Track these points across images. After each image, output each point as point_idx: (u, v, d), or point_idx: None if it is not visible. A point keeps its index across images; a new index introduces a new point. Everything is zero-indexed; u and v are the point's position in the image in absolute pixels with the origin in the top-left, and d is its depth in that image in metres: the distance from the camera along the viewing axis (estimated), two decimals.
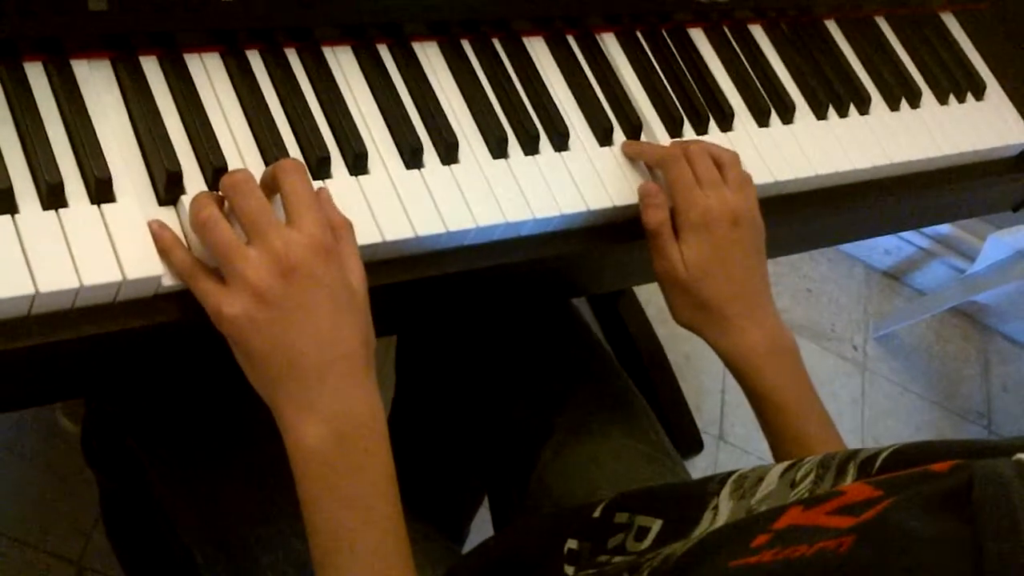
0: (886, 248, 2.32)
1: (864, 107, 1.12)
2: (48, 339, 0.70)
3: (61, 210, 0.71)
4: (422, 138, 0.86)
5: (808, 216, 1.06)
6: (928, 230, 2.27)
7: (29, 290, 0.68)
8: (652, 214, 0.90)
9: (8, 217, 0.70)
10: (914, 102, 1.16)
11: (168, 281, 0.73)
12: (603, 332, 1.86)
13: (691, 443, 1.87)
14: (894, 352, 2.27)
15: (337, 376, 0.71)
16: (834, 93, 1.10)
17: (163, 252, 0.73)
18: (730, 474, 0.74)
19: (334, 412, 0.71)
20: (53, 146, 0.73)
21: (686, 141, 0.96)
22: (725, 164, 0.92)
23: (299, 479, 0.72)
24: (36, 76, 0.76)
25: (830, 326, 2.23)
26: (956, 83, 1.20)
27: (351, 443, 0.71)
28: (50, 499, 1.44)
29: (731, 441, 1.97)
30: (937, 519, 0.52)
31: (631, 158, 0.94)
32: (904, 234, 2.28)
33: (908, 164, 1.11)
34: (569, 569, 0.78)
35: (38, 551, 1.40)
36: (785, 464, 0.71)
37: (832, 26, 1.17)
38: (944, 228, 2.26)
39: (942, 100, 1.18)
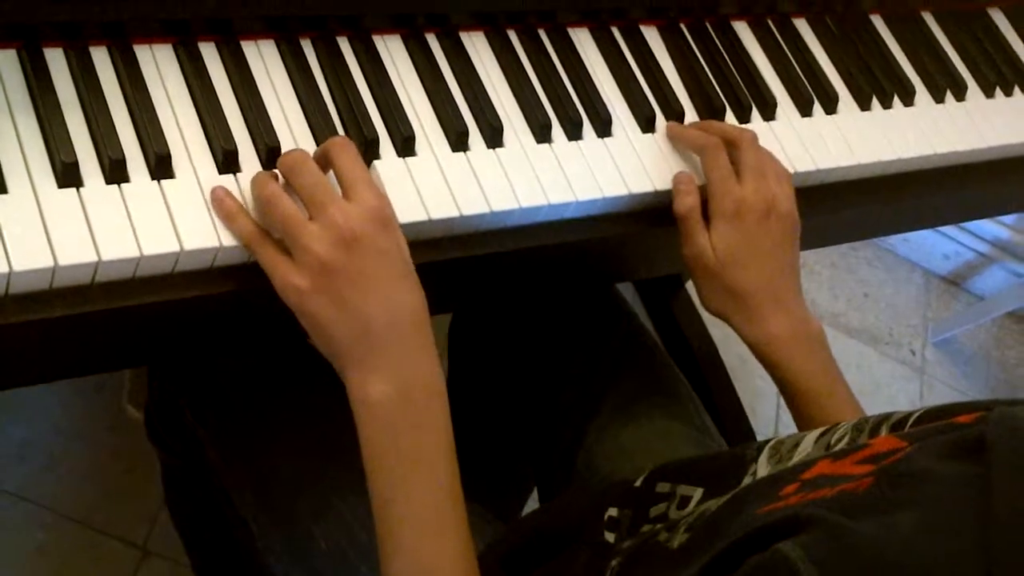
0: (945, 253, 2.31)
1: (909, 99, 1.13)
2: (110, 306, 0.73)
3: (123, 184, 0.75)
4: (468, 122, 0.89)
5: (850, 206, 1.07)
6: (987, 235, 2.25)
7: (92, 258, 0.72)
8: (682, 200, 0.92)
9: (74, 190, 0.74)
10: (959, 94, 1.16)
11: (228, 243, 0.76)
12: (657, 331, 1.87)
13: None
14: (953, 357, 2.26)
15: (401, 338, 0.74)
16: (878, 85, 1.12)
17: (227, 219, 0.76)
18: (767, 441, 0.76)
19: (399, 373, 0.74)
20: (116, 125, 0.77)
21: (726, 125, 0.98)
22: (764, 158, 0.94)
23: (362, 434, 0.75)
24: (101, 60, 0.80)
25: (887, 331, 2.23)
26: (1003, 76, 1.20)
27: (414, 402, 0.74)
28: (117, 486, 1.49)
29: None
30: (954, 462, 0.53)
31: (672, 140, 0.96)
32: (963, 239, 2.27)
33: (953, 155, 1.12)
34: (609, 536, 0.80)
35: (105, 535, 1.45)
36: (821, 429, 0.73)
37: (878, 21, 1.19)
38: (1003, 233, 2.25)
39: (988, 93, 1.19)
